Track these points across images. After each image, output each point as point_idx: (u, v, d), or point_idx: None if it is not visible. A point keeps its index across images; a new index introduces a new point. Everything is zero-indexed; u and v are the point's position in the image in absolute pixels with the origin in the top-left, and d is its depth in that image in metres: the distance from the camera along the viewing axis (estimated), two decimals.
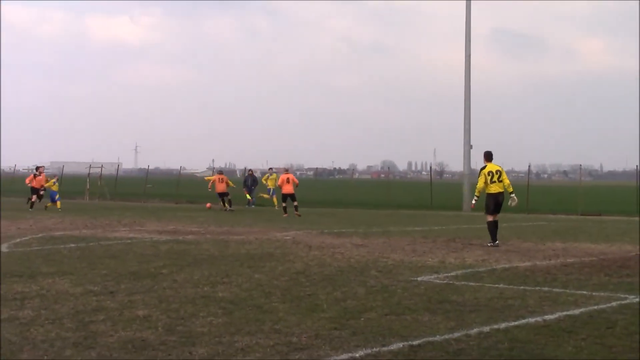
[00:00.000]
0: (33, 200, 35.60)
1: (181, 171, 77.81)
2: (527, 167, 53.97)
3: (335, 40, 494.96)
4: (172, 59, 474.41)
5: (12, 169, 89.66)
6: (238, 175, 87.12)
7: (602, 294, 10.92)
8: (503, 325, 8.59)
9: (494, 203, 18.37)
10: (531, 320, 8.90)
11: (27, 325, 8.34)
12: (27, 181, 36.55)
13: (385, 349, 7.43)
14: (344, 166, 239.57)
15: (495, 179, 18.27)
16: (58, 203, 35.57)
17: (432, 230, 23.78)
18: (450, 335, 8.02)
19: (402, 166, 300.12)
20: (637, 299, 10.43)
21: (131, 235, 20.55)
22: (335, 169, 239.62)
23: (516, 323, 8.71)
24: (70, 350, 7.26)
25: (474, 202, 18.90)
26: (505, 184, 18.45)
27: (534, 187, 53.37)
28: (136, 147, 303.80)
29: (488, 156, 18.70)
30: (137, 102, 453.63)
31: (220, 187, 36.39)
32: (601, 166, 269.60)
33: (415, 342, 7.67)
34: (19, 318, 8.71)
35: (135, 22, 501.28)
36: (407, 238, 20.32)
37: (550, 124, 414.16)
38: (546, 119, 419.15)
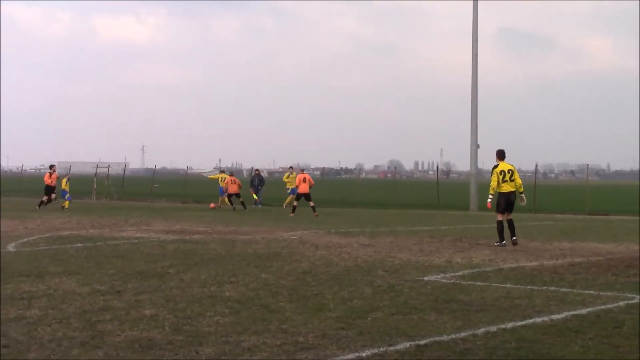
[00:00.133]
0: (45, 200, 35.50)
1: (188, 171, 77.82)
2: (534, 167, 53.75)
3: (341, 39, 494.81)
4: (179, 59, 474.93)
5: (20, 168, 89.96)
6: (245, 175, 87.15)
7: (610, 293, 10.90)
8: (510, 324, 8.58)
9: (505, 202, 18.29)
10: (538, 320, 8.89)
11: (34, 324, 8.36)
12: (47, 180, 36.12)
13: (392, 348, 7.43)
14: (351, 166, 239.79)
15: (507, 178, 18.21)
16: (66, 202, 35.55)
17: (439, 230, 23.76)
18: (457, 335, 8.01)
19: (408, 166, 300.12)
20: None
21: (138, 234, 20.58)
22: (342, 168, 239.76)
23: (523, 323, 8.70)
24: (78, 349, 7.28)
25: (489, 200, 18.69)
26: (517, 183, 18.38)
27: (541, 186, 53.27)
28: (143, 146, 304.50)
29: (500, 155, 18.60)
30: (144, 102, 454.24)
31: (233, 188, 36.76)
32: (608, 166, 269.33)
33: (422, 342, 7.67)
34: (27, 317, 8.73)
35: (141, 22, 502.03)
36: (414, 238, 20.30)
37: (557, 124, 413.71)
38: (553, 118, 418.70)
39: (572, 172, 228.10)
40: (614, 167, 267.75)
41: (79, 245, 17.32)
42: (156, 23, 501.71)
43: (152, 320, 8.66)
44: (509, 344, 7.62)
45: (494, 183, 18.27)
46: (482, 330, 8.26)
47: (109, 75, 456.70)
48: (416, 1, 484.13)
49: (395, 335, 7.98)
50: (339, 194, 55.58)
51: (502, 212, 18.33)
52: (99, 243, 17.86)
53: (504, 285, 11.62)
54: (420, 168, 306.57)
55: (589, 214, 37.15)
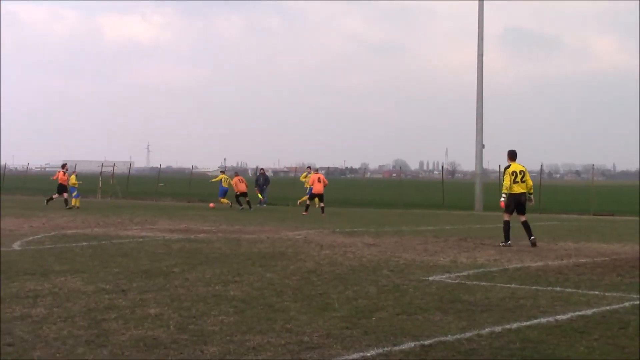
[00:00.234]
0: (55, 197, 35.48)
1: (193, 170, 77.86)
2: (539, 167, 53.69)
3: (347, 39, 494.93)
4: (184, 58, 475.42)
5: (25, 167, 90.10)
6: (250, 175, 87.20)
7: (615, 294, 10.88)
8: (515, 325, 8.57)
9: (515, 203, 18.20)
10: (543, 320, 8.88)
11: (39, 323, 8.37)
12: (59, 179, 36.03)
13: (396, 348, 7.42)
14: (356, 165, 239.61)
15: (518, 179, 18.13)
16: (76, 200, 35.51)
17: (443, 230, 23.74)
18: (462, 335, 8.00)
19: (413, 165, 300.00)
20: None
21: (143, 233, 20.59)
22: (347, 168, 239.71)
23: (528, 323, 8.69)
24: (83, 348, 7.29)
25: (502, 199, 18.45)
26: (528, 185, 18.31)
27: (547, 186, 53.23)
28: (148, 145, 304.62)
29: (512, 155, 18.49)
30: (150, 101, 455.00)
31: (242, 187, 36.87)
32: (614, 166, 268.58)
33: (427, 342, 7.66)
34: (32, 316, 8.75)
35: (147, 20, 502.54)
36: (419, 237, 20.29)
37: (562, 123, 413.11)
38: (559, 118, 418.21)
39: (578, 173, 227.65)
40: (620, 167, 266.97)
41: (84, 243, 17.34)
42: (161, 22, 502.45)
43: (157, 319, 8.66)
44: (514, 345, 7.61)
45: (506, 183, 18.15)
46: (487, 330, 8.26)
47: (114, 74, 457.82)
48: (421, 1, 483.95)
49: (400, 335, 7.97)
50: (344, 194, 55.57)
51: (510, 213, 18.25)
52: (104, 242, 17.88)
53: (509, 285, 11.61)
54: (425, 168, 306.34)
55: (594, 214, 37.12)
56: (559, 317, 9.05)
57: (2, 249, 15.91)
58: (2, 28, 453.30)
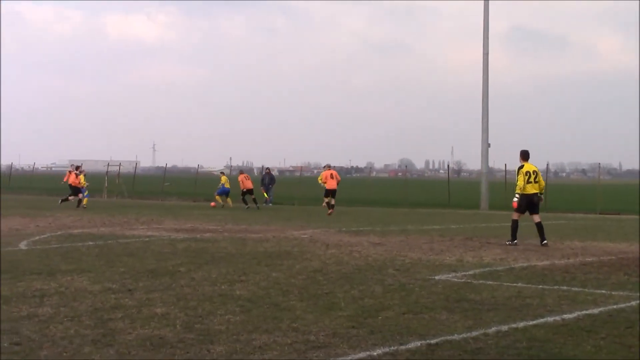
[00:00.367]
0: (71, 199, 35.38)
1: (199, 169, 77.95)
2: (545, 166, 53.61)
3: (351, 38, 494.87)
4: (189, 58, 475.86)
5: (31, 167, 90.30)
6: (255, 174, 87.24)
7: (621, 293, 10.86)
8: (521, 324, 8.56)
9: (527, 203, 18.10)
10: (550, 319, 8.87)
11: (46, 322, 8.38)
12: (70, 181, 35.83)
13: (403, 347, 7.42)
14: (362, 164, 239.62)
15: (532, 179, 18.05)
16: (85, 200, 35.47)
17: (449, 229, 23.72)
18: (468, 334, 8.00)
19: (419, 164, 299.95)
20: None
21: (149, 233, 20.61)
22: (352, 167, 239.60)
23: (534, 322, 8.68)
24: (89, 347, 7.30)
25: (515, 200, 18.28)
26: (541, 185, 18.25)
27: (553, 185, 53.18)
28: (154, 145, 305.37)
29: (525, 155, 18.36)
30: (155, 100, 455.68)
31: (248, 184, 36.95)
32: (620, 165, 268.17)
33: (433, 341, 7.66)
34: (38, 315, 8.76)
35: (152, 20, 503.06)
36: (425, 236, 20.28)
37: (568, 122, 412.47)
38: (564, 116, 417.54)
39: (584, 171, 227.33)
40: (626, 166, 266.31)
41: (90, 243, 17.36)
42: (166, 22, 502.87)
43: (164, 318, 8.68)
44: (521, 344, 7.61)
45: (520, 183, 18.00)
46: (493, 329, 8.25)
47: (119, 74, 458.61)
48: (426, 1, 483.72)
49: (406, 334, 7.97)
50: (350, 193, 55.54)
51: (522, 212, 18.16)
52: (110, 241, 17.90)
53: (515, 284, 11.59)
54: (431, 167, 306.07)
55: (600, 213, 37.05)
56: (565, 316, 9.04)
57: (9, 248, 15.95)
58: (7, 28, 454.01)
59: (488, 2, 41.67)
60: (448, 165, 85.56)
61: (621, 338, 7.92)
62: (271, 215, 31.38)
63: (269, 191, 42.60)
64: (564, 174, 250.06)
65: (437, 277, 12.26)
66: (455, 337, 7.88)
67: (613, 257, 15.53)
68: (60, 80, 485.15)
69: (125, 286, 10.94)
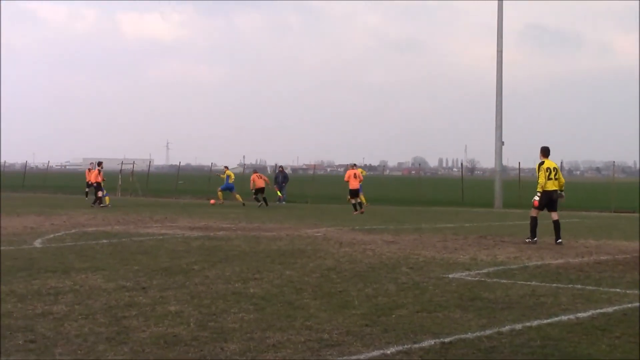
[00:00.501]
0: (100, 195, 35.20)
1: (212, 167, 78.05)
2: (559, 164, 53.41)
3: (365, 37, 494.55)
4: (203, 56, 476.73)
5: (46, 165, 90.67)
6: (269, 172, 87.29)
7: (636, 291, 10.80)
8: (535, 323, 8.53)
9: (547, 200, 17.98)
10: (564, 318, 8.84)
11: (61, 320, 8.42)
12: (92, 179, 35.65)
13: (416, 346, 7.41)
14: (375, 163, 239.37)
15: (552, 176, 17.93)
16: (107, 199, 35.29)
17: (463, 227, 23.67)
18: (482, 333, 7.98)
19: (433, 163, 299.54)
20: None
21: (163, 231, 20.66)
22: (365, 165, 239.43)
23: (549, 321, 8.65)
24: (103, 345, 7.32)
25: (536, 198, 18.07)
26: (561, 182, 18.13)
27: (567, 183, 52.77)
28: (167, 143, 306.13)
29: (545, 152, 18.21)
30: (169, 99, 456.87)
31: (260, 183, 37.01)
32: (635, 163, 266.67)
33: (447, 340, 7.65)
34: (53, 313, 8.80)
35: (166, 19, 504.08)
36: (438, 235, 20.24)
37: (583, 120, 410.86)
38: (579, 114, 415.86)
39: (598, 169, 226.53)
40: None
41: (105, 241, 17.42)
42: (181, 20, 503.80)
43: (177, 316, 8.69)
44: (535, 342, 7.58)
45: (542, 180, 17.85)
46: (507, 328, 8.23)
47: (133, 72, 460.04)
48: (441, 0, 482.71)
49: (420, 333, 7.96)
50: (363, 191, 55.46)
51: (540, 209, 18.04)
52: (124, 239, 17.96)
53: (529, 283, 11.56)
54: (444, 165, 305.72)
55: (615, 212, 36.88)
56: (580, 315, 9.00)
57: (24, 246, 16.04)
58: (22, 27, 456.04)
59: (502, 2, 41.52)
60: (462, 164, 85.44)
61: (636, 337, 7.87)
62: (284, 213, 31.39)
63: (282, 189, 42.63)
64: (578, 172, 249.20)
65: (450, 276, 12.23)
66: (469, 335, 7.87)
67: (628, 256, 15.46)
68: (74, 78, 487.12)
69: (139, 284, 10.98)
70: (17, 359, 6.85)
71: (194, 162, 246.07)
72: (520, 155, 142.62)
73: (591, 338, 7.80)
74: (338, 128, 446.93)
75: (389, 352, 7.16)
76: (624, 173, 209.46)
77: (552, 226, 18.08)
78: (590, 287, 11.16)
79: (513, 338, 7.76)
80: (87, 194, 42.06)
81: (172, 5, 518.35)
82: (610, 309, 9.42)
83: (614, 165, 56.94)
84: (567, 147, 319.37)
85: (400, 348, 7.29)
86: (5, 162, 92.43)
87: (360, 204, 31.90)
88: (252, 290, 10.50)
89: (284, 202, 41.55)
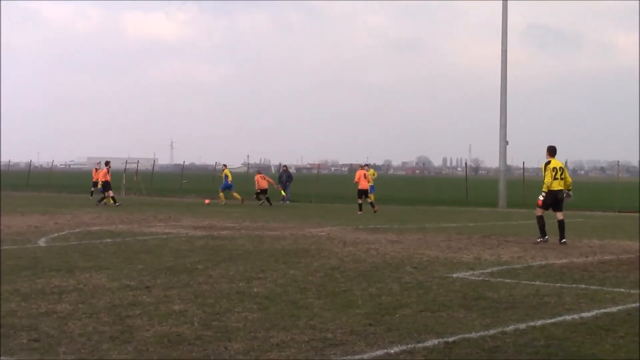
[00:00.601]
0: (112, 196, 35.01)
1: (216, 167, 78.10)
2: (563, 163, 53.33)
3: (369, 36, 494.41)
4: (207, 55, 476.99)
5: (50, 164, 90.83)
6: (273, 171, 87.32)
7: None
8: (539, 322, 8.52)
9: (553, 199, 17.95)
10: (568, 317, 8.83)
11: (64, 319, 8.43)
12: (101, 178, 35.45)
13: (420, 345, 7.40)
14: (379, 162, 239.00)
15: (558, 175, 17.88)
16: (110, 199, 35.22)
17: (467, 227, 23.66)
18: (486, 332, 7.97)
19: (437, 162, 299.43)
20: None
21: (167, 230, 20.68)
22: (369, 164, 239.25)
23: (553, 320, 8.64)
24: (107, 344, 7.33)
25: (541, 198, 18.03)
26: (568, 182, 18.07)
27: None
28: (172, 142, 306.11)
29: (552, 151, 18.16)
30: (173, 98, 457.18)
31: (263, 184, 37.06)
32: (639, 163, 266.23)
33: (451, 339, 7.64)
34: (57, 312, 8.81)
35: (170, 18, 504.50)
36: (442, 234, 20.23)
37: (587, 120, 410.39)
38: (583, 114, 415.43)
39: (602, 169, 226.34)
40: None
41: (109, 240, 17.44)
42: (185, 20, 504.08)
43: (181, 315, 8.70)
44: (539, 342, 7.57)
45: (548, 180, 17.80)
46: (511, 327, 8.22)
47: (137, 72, 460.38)
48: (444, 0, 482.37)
49: (424, 332, 7.96)
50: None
51: (546, 209, 17.95)
52: (128, 238, 17.98)
53: (533, 282, 11.55)
54: (448, 164, 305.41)
55: (619, 211, 36.83)
56: (583, 315, 8.99)
57: (28, 245, 16.07)
58: (26, 26, 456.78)
59: (507, 2, 41.49)
60: (466, 163, 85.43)
61: None
62: (288, 212, 31.40)
63: (286, 189, 42.63)
64: (582, 172, 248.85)
65: (454, 275, 12.23)
66: (473, 335, 7.86)
67: (632, 256, 15.43)
68: (79, 78, 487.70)
69: (143, 283, 10.98)
70: (21, 358, 6.85)
71: (198, 161, 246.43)
72: (525, 155, 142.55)
73: (595, 338, 7.79)
74: (342, 128, 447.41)
75: (392, 351, 7.16)
76: (628, 173, 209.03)
77: (556, 226, 18.04)
78: (594, 287, 11.14)
79: (517, 338, 7.75)
80: (92, 193, 42.09)
81: (177, 5, 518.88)
82: (614, 309, 9.41)
83: (618, 164, 56.89)
84: (572, 146, 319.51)
85: (404, 347, 7.29)
86: (10, 161, 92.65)
87: (372, 203, 31.89)
88: (255, 290, 10.50)
89: (288, 202, 41.56)
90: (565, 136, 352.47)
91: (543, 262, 14.15)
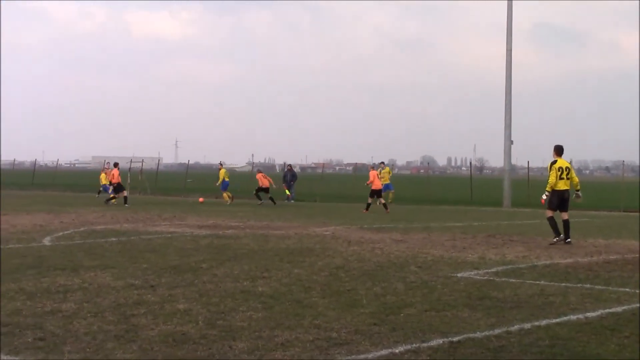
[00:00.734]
0: (120, 195, 34.72)
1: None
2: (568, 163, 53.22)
3: (375, 36, 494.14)
4: (213, 55, 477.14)
5: (55, 163, 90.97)
6: (277, 171, 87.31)
7: None
8: (544, 322, 8.51)
9: (559, 200, 17.91)
10: (573, 317, 8.82)
11: (69, 317, 8.44)
12: (114, 179, 35.15)
13: (425, 345, 7.40)
14: (384, 161, 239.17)
15: (564, 175, 17.80)
16: (113, 200, 35.15)
17: (472, 226, 23.64)
18: (491, 332, 7.96)
19: (441, 162, 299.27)
20: None
21: (172, 229, 20.70)
22: (374, 164, 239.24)
23: (557, 320, 8.63)
24: (112, 343, 7.33)
25: (544, 197, 17.97)
26: (575, 181, 18.00)
27: None
28: (176, 142, 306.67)
29: (559, 150, 18.04)
30: (178, 97, 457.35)
31: (265, 183, 37.10)
32: None
33: (455, 339, 7.63)
34: (62, 311, 8.82)
35: (175, 17, 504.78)
36: (447, 234, 20.22)
37: (592, 119, 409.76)
38: (588, 114, 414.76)
39: (607, 169, 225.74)
40: None
41: (113, 239, 17.46)
42: (189, 19, 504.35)
43: (186, 314, 8.71)
44: (543, 342, 7.57)
45: (552, 179, 17.69)
46: (516, 327, 8.21)
47: (142, 71, 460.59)
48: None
49: (428, 332, 7.95)
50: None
51: (554, 209, 17.87)
52: (132, 237, 18.00)
53: (538, 282, 11.53)
54: (453, 164, 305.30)
55: (624, 211, 36.76)
56: (588, 315, 8.98)
57: (33, 244, 16.10)
58: (32, 25, 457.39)
59: (512, 1, 41.43)
60: (470, 163, 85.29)
61: None
62: (293, 212, 31.39)
63: (291, 188, 42.62)
64: (587, 172, 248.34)
65: (459, 275, 12.22)
66: (478, 334, 7.85)
67: (637, 255, 15.40)
68: (83, 77, 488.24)
69: (148, 282, 10.99)
70: (26, 356, 6.86)
71: (202, 160, 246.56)
72: (529, 154, 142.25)
73: (600, 338, 7.78)
74: (347, 127, 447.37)
75: (397, 351, 7.15)
76: (633, 172, 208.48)
77: (561, 225, 18.01)
78: (599, 287, 11.13)
79: (522, 337, 7.75)
80: (99, 192, 42.15)
81: (181, 4, 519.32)
82: (619, 309, 9.40)
83: (623, 164, 56.70)
84: (577, 146, 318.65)
85: (408, 347, 7.29)
86: (15, 160, 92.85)
87: (385, 205, 31.78)
88: (260, 289, 10.50)
89: (292, 201, 41.55)
90: (570, 136, 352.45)
91: (548, 262, 14.13)
